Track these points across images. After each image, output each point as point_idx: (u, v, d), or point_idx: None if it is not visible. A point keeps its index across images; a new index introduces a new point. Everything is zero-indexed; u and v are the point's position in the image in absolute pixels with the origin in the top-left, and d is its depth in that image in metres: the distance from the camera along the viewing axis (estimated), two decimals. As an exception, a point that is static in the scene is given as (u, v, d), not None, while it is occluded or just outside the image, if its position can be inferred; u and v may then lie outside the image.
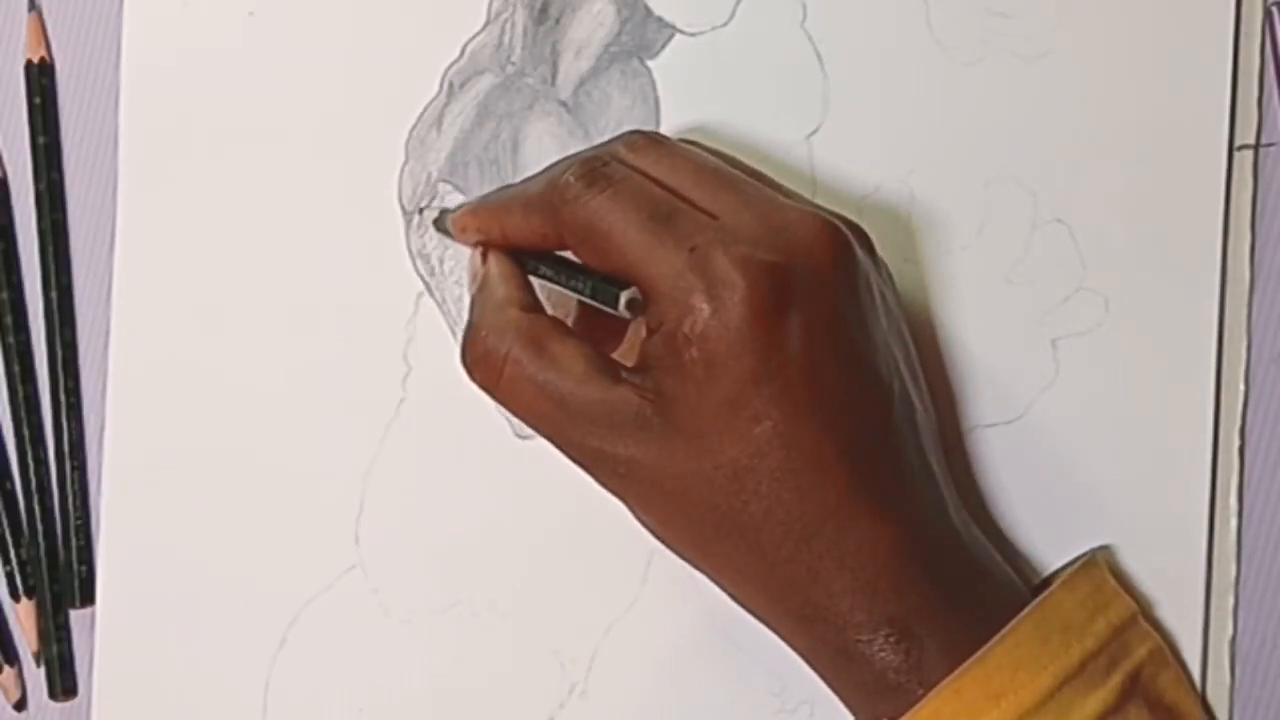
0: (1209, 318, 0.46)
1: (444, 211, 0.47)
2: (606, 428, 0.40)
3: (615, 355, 0.44)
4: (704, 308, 0.39)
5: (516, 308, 0.42)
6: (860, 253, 0.42)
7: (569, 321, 0.45)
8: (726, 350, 0.39)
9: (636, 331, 0.44)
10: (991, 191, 0.47)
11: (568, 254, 0.43)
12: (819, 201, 0.46)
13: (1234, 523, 0.46)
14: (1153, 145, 0.47)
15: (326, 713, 0.48)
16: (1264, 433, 0.47)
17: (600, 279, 0.41)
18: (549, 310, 0.44)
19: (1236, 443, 0.46)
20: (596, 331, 0.44)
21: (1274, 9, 0.47)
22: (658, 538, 0.42)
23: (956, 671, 0.39)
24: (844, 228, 0.41)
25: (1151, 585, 0.46)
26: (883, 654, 0.39)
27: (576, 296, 0.42)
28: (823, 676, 0.42)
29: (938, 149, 0.47)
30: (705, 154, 0.44)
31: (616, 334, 0.45)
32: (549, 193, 0.42)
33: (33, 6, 0.51)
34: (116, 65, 0.50)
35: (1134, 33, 0.47)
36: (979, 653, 0.39)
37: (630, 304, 0.40)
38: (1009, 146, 0.47)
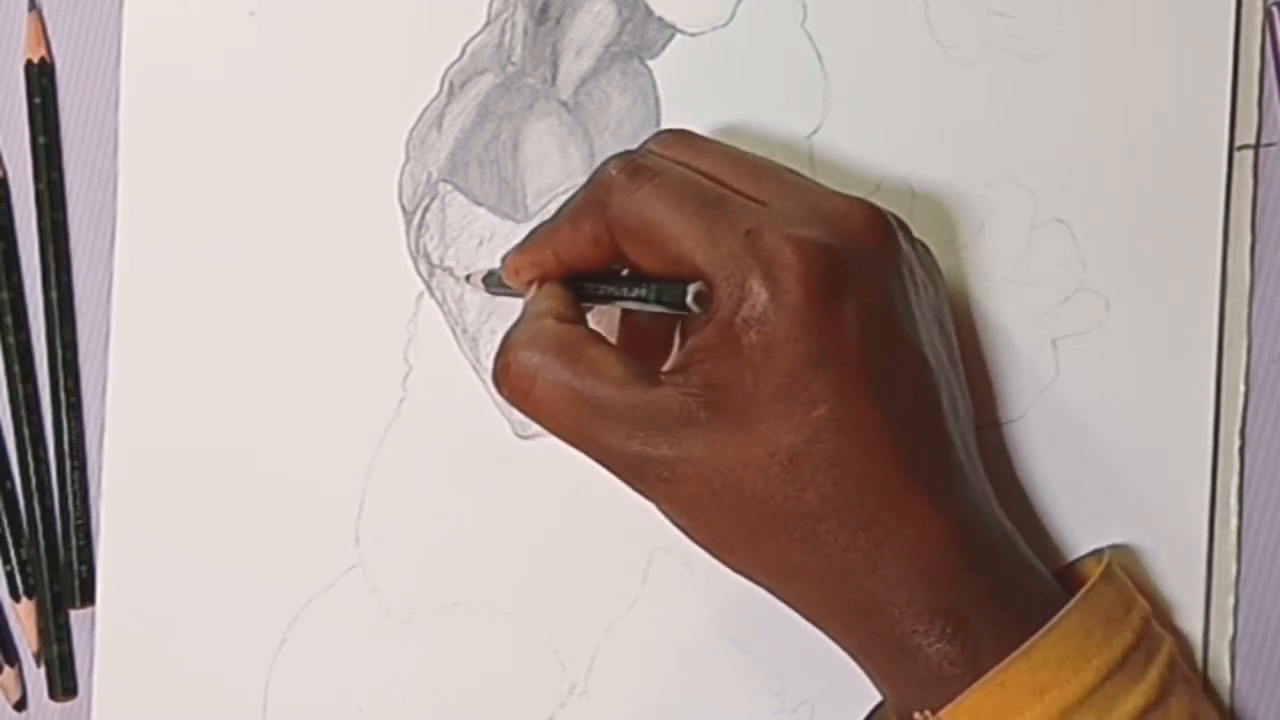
0: (1209, 318, 0.46)
1: (491, 272, 0.47)
2: (648, 430, 0.39)
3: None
4: (762, 290, 0.39)
5: (551, 318, 0.42)
6: (904, 241, 0.42)
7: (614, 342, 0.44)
8: (786, 333, 0.38)
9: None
10: (991, 191, 0.47)
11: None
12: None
13: (1234, 523, 0.46)
14: (1153, 145, 0.47)
15: (326, 713, 0.48)
16: (1264, 433, 0.47)
17: (663, 280, 0.41)
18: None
19: (1236, 443, 0.46)
20: (639, 354, 0.43)
21: (1274, 9, 0.47)
22: (702, 543, 0.41)
23: (1002, 664, 0.39)
24: (888, 214, 0.41)
25: (1152, 585, 0.46)
26: (939, 646, 0.39)
27: (638, 306, 0.42)
28: (873, 673, 0.41)
29: (938, 149, 0.48)
30: (739, 148, 0.44)
31: (658, 355, 0.44)
32: (594, 192, 0.42)
33: (33, 6, 0.51)
34: (116, 65, 0.50)
35: (1134, 33, 0.47)
36: (1025, 645, 0.39)
37: (698, 297, 0.40)
38: (1009, 146, 0.47)
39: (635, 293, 0.41)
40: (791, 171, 0.43)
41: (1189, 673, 0.43)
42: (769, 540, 0.40)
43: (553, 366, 0.41)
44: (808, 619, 0.41)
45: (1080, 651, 0.39)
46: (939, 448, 0.40)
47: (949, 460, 0.41)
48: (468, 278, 0.48)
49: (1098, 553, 0.45)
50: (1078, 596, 0.40)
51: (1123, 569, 0.43)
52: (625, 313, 0.45)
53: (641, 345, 0.45)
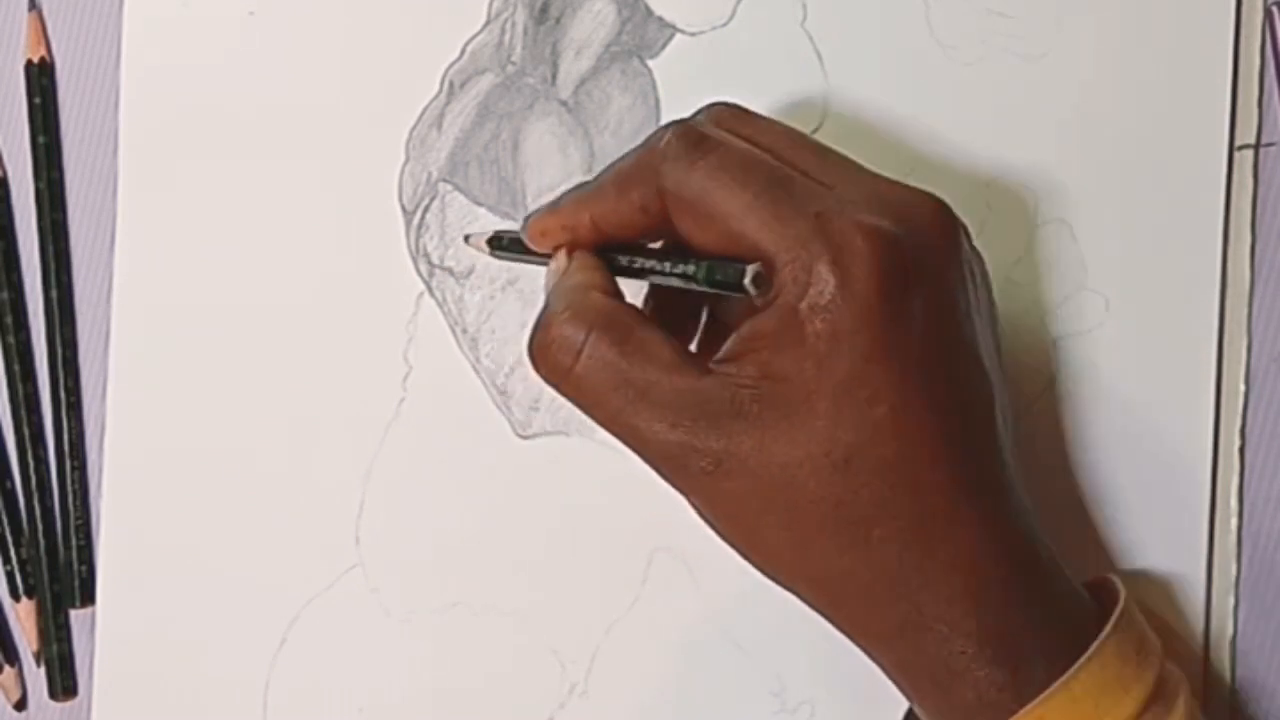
0: (1209, 318, 0.46)
1: (498, 233, 0.45)
2: (694, 419, 0.37)
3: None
4: (830, 277, 0.36)
5: (600, 292, 0.39)
6: (966, 240, 0.40)
7: None
8: (852, 323, 0.36)
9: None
10: (991, 191, 0.47)
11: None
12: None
13: (1234, 523, 0.46)
14: (1153, 145, 0.47)
15: (326, 713, 0.48)
16: (1264, 433, 0.47)
17: (716, 258, 0.38)
18: None
19: (1236, 443, 0.46)
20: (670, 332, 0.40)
21: (1274, 9, 0.47)
22: (738, 544, 0.39)
23: (1040, 697, 0.37)
24: (954, 210, 0.40)
25: (1152, 585, 0.46)
26: (987, 670, 0.37)
27: (681, 284, 0.39)
28: (911, 694, 0.39)
29: (938, 149, 0.47)
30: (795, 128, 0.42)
31: (685, 335, 0.42)
32: (648, 158, 0.39)
33: (33, 6, 0.51)
34: (116, 65, 0.50)
35: (1134, 33, 0.47)
36: (1064, 677, 0.37)
37: (756, 279, 0.37)
38: (1009, 146, 0.47)
39: (682, 269, 0.39)
40: (848, 158, 0.41)
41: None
42: (816, 544, 0.37)
43: (599, 345, 0.38)
44: (845, 632, 0.39)
45: (1119, 680, 0.37)
46: (992, 458, 0.39)
47: (1000, 472, 0.39)
48: (467, 238, 0.47)
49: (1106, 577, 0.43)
50: (1111, 622, 0.38)
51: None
52: (653, 290, 0.43)
53: (668, 326, 0.41)
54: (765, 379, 0.37)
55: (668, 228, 0.40)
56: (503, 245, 0.45)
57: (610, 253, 0.41)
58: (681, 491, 0.39)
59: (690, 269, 0.38)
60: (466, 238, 0.47)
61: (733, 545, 0.39)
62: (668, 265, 0.39)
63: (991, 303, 0.43)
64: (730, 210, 0.38)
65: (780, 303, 0.37)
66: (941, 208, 0.39)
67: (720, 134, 0.39)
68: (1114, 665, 0.38)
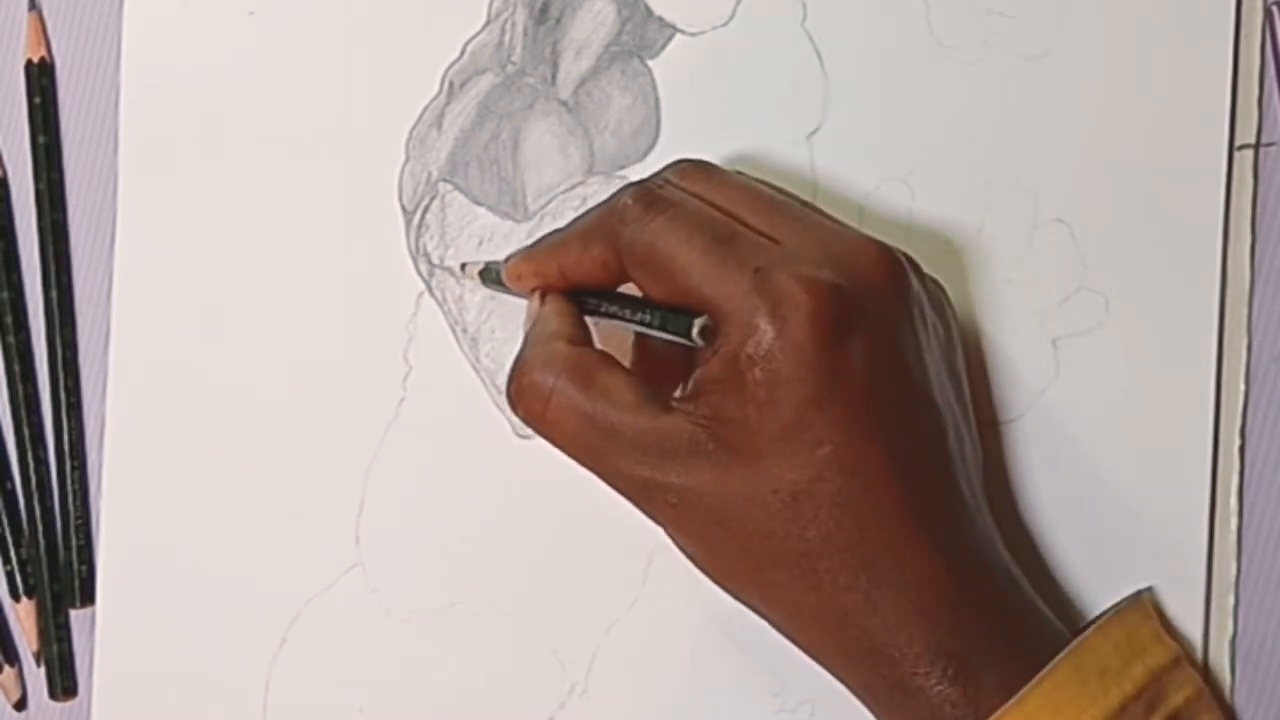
0: (1209, 318, 0.46)
1: (489, 265, 0.47)
2: (657, 456, 0.40)
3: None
4: (768, 328, 0.39)
5: (564, 341, 0.42)
6: (915, 281, 0.42)
7: (626, 364, 0.44)
8: (790, 372, 0.38)
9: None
10: (991, 191, 0.47)
11: (627, 290, 0.43)
12: (819, 204, 0.46)
13: (1234, 523, 0.46)
14: (1153, 145, 0.47)
15: (326, 713, 0.48)
16: (1264, 433, 0.47)
17: (669, 309, 0.41)
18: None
19: (1236, 443, 0.46)
20: (653, 374, 0.43)
21: (1274, 9, 0.47)
22: (706, 570, 0.41)
23: (996, 714, 0.38)
24: (900, 254, 0.41)
25: (1151, 585, 0.46)
26: (940, 688, 0.39)
27: (642, 330, 0.42)
28: (877, 712, 0.41)
29: (938, 149, 0.48)
30: (755, 181, 0.44)
31: (671, 376, 0.44)
32: (607, 218, 0.42)
33: (33, 6, 0.51)
34: (116, 65, 0.50)
35: (1134, 32, 0.47)
36: (1017, 695, 0.39)
37: (703, 331, 0.40)
38: (1009, 146, 0.47)
39: (640, 317, 0.42)
40: (807, 206, 0.44)
41: None
42: (770, 574, 0.40)
43: (566, 390, 0.41)
44: (810, 656, 0.41)
45: (1075, 700, 0.39)
46: (943, 489, 0.41)
47: (953, 501, 0.41)
48: (463, 267, 0.48)
49: (1137, 595, 0.45)
50: (1068, 648, 0.40)
51: (1161, 609, 0.44)
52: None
53: (656, 364, 0.44)
54: (716, 420, 0.39)
55: (630, 280, 0.42)
56: (493, 278, 0.46)
57: (581, 296, 0.44)
58: (654, 521, 0.41)
59: (647, 317, 0.41)
60: (463, 266, 0.48)
61: (702, 571, 0.41)
62: (628, 312, 0.42)
63: (950, 339, 0.44)
64: (678, 267, 0.40)
65: (724, 351, 0.39)
66: (885, 253, 0.41)
67: (674, 194, 0.42)
68: (1069, 687, 0.39)
